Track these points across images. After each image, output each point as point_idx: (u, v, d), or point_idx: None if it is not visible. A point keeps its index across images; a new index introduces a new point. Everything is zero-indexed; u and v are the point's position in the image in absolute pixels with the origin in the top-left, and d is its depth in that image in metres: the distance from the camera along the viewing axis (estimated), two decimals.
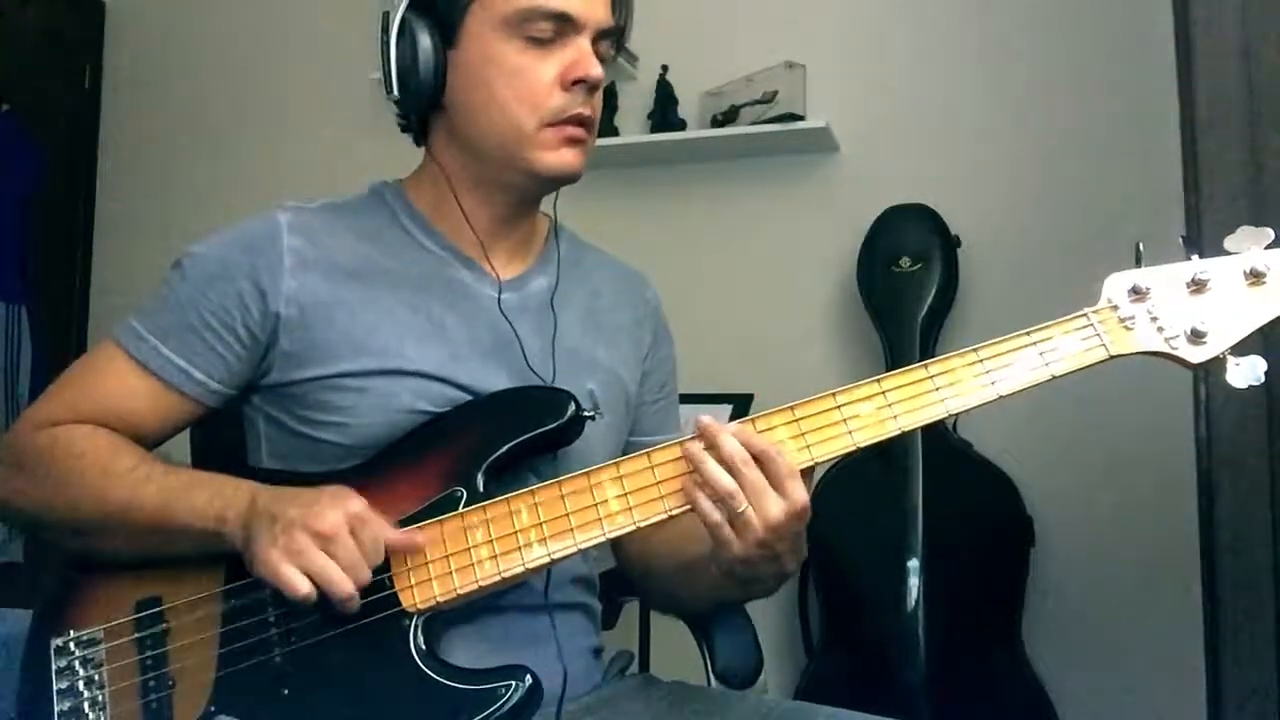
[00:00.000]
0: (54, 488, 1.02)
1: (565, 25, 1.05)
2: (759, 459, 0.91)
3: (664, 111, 2.71)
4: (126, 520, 0.99)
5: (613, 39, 1.11)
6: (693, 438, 0.94)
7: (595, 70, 1.06)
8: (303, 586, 0.89)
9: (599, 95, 1.10)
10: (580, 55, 1.06)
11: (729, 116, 2.64)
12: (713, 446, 0.92)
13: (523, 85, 1.05)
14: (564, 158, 1.08)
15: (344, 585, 0.89)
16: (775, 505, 0.90)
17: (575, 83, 1.06)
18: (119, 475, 1.00)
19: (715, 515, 0.91)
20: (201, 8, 3.27)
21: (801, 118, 2.56)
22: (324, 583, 0.89)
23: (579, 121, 1.07)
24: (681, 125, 2.70)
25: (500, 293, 1.12)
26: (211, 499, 0.96)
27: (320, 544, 0.89)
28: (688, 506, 0.94)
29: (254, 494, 0.95)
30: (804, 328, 2.64)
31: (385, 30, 1.08)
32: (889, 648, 2.19)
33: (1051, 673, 2.26)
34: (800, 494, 0.91)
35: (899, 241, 2.42)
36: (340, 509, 0.91)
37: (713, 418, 0.94)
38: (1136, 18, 2.35)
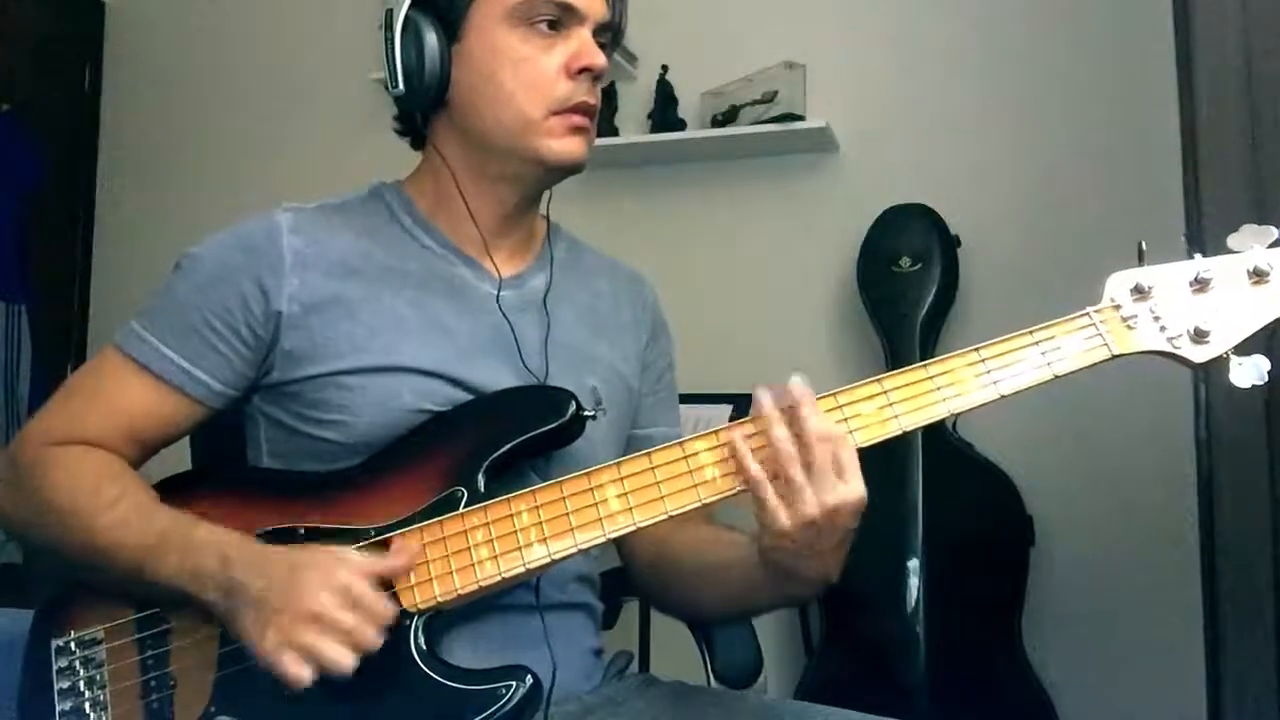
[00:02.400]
0: (43, 521, 1.02)
1: (568, 15, 1.07)
2: (833, 440, 0.89)
3: (664, 111, 2.71)
4: (108, 565, 0.98)
5: (609, 35, 1.12)
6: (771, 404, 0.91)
7: (599, 59, 1.07)
8: (306, 677, 0.87)
9: (599, 86, 1.11)
10: (584, 44, 1.07)
11: (729, 116, 2.64)
12: (794, 413, 0.89)
13: (529, 74, 1.06)
14: (570, 145, 1.09)
15: (346, 663, 0.88)
16: (836, 488, 0.88)
17: (580, 71, 1.07)
18: (98, 516, 0.99)
19: (759, 473, 0.89)
20: (201, 7, 3.27)
21: (801, 118, 2.56)
22: (327, 666, 0.88)
23: (584, 110, 1.09)
24: (681, 125, 2.70)
25: (500, 290, 1.12)
26: (182, 562, 0.94)
27: (316, 627, 0.88)
28: (688, 507, 0.93)
29: (224, 559, 0.93)
30: (804, 328, 2.64)
31: (389, 27, 1.08)
32: (889, 648, 2.20)
33: (1051, 673, 2.27)
34: (861, 488, 0.89)
35: (899, 241, 2.42)
36: (328, 587, 0.89)
37: (809, 390, 0.90)
38: (1137, 17, 2.35)
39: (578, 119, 1.08)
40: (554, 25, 1.07)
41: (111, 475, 1.03)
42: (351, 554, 0.93)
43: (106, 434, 1.06)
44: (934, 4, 2.61)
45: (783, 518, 0.88)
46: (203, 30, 3.26)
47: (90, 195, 3.34)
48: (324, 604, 0.88)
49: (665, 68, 2.70)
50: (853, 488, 0.89)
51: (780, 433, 0.89)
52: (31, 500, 1.03)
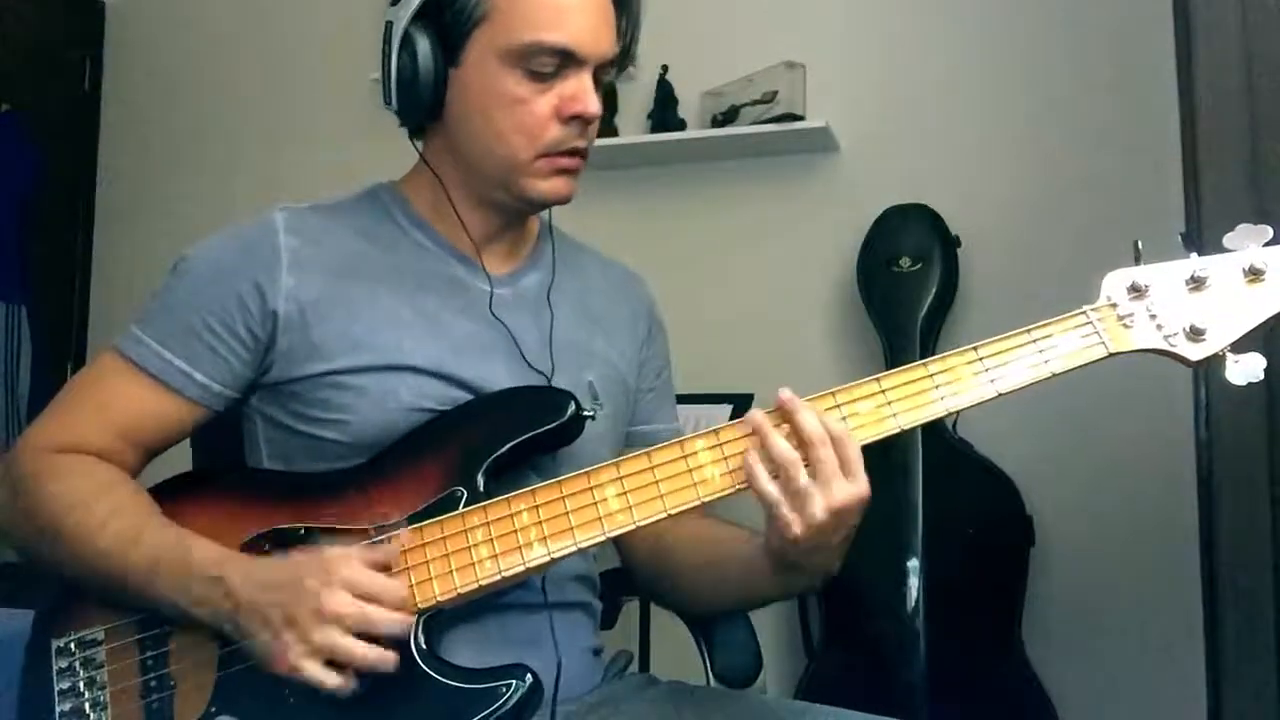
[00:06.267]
0: (39, 538, 1.02)
1: (568, 60, 1.05)
2: (834, 441, 0.91)
3: (664, 111, 2.71)
4: (105, 586, 0.98)
5: (614, 64, 1.11)
6: (770, 410, 0.93)
7: (593, 107, 1.06)
8: (333, 680, 0.88)
9: (595, 123, 1.09)
10: (579, 90, 1.06)
11: (729, 116, 2.64)
12: (790, 421, 0.92)
13: (521, 118, 1.06)
14: (555, 186, 1.09)
15: (373, 655, 0.89)
16: (842, 489, 0.90)
17: (572, 117, 1.06)
18: (89, 538, 0.98)
19: (774, 493, 0.90)
20: (201, 7, 3.28)
21: (801, 118, 2.56)
22: (356, 662, 0.88)
23: (573, 152, 1.08)
24: (681, 125, 2.70)
25: (493, 289, 1.12)
26: (178, 589, 0.94)
27: (336, 627, 0.88)
28: (688, 506, 0.94)
29: (225, 586, 0.92)
30: (804, 328, 2.64)
31: (387, 42, 1.08)
32: (889, 648, 2.19)
33: (1051, 673, 2.26)
34: (866, 483, 0.91)
35: (899, 241, 2.42)
36: (335, 584, 0.89)
37: (796, 396, 0.93)
38: (1137, 17, 2.35)
39: (565, 161, 1.08)
40: (554, 70, 1.05)
41: (107, 487, 1.02)
42: (342, 549, 0.93)
43: (106, 439, 1.05)
44: (934, 4, 2.61)
45: (795, 529, 0.90)
46: (203, 30, 3.26)
47: (90, 195, 3.34)
48: (336, 602, 0.88)
49: (665, 68, 2.70)
50: (859, 486, 0.91)
51: (776, 439, 0.91)
52: (29, 516, 1.03)
